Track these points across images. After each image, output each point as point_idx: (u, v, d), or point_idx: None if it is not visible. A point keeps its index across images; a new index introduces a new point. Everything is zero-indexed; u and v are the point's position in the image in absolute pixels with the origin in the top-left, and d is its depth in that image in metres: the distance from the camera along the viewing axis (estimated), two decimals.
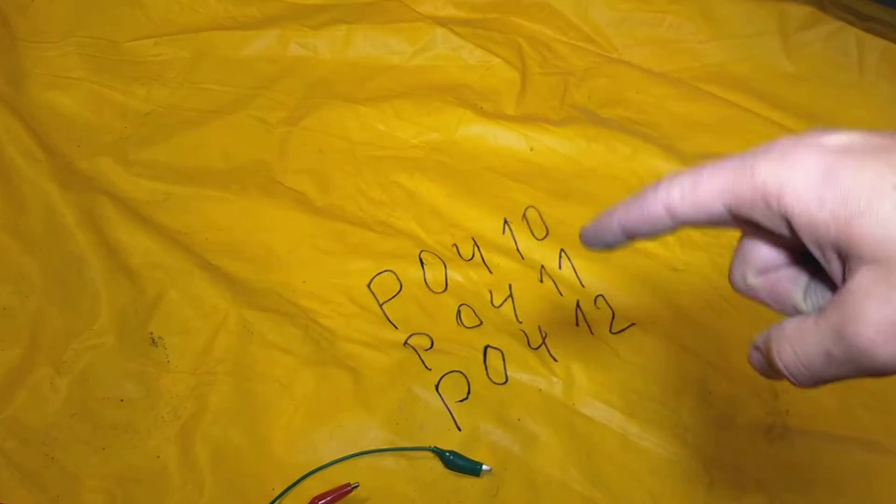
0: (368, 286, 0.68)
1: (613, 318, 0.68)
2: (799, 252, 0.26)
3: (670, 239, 0.74)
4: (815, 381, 0.23)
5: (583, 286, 0.70)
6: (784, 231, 0.23)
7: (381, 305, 0.67)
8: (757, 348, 0.26)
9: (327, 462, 0.58)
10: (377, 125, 0.80)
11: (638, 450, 0.61)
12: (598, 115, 0.85)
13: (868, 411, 0.64)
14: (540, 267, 0.71)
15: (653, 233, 0.27)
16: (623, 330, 0.67)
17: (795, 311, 0.27)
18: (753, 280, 0.27)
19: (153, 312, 0.64)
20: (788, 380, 0.24)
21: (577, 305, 0.69)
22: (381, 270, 0.69)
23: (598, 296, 0.69)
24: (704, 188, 0.25)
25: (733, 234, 0.79)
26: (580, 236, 0.31)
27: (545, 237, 0.73)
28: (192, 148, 0.76)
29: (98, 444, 0.58)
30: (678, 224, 0.26)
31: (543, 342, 0.66)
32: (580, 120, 0.83)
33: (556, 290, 0.70)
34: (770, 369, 0.25)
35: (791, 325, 0.24)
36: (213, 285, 0.65)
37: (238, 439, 0.59)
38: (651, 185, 0.27)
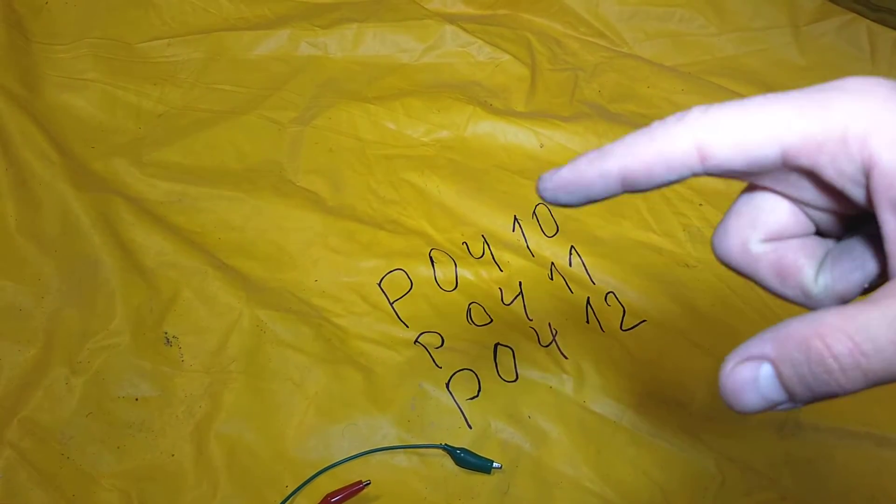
0: (379, 285, 0.69)
1: (624, 314, 0.68)
2: (824, 222, 0.22)
3: (681, 235, 0.74)
4: (874, 377, 0.19)
5: (593, 283, 0.70)
6: (850, 185, 0.19)
7: (391, 304, 0.68)
8: (755, 359, 0.20)
9: (340, 459, 0.59)
10: (387, 123, 0.81)
11: (649, 447, 0.61)
12: (609, 111, 0.85)
13: (881, 406, 0.64)
14: (550, 264, 0.71)
15: (665, 181, 0.21)
16: (634, 327, 0.68)
17: (799, 293, 0.22)
18: (758, 247, 0.22)
19: (168, 312, 0.65)
20: (821, 394, 0.19)
21: (588, 302, 0.69)
22: (392, 269, 0.70)
23: (608, 293, 0.69)
24: (756, 125, 0.20)
25: None
26: (545, 186, 0.24)
27: (555, 234, 0.73)
28: (206, 148, 0.77)
29: (113, 443, 0.59)
30: (705, 171, 0.21)
31: (554, 339, 0.66)
32: (590, 115, 0.83)
33: (566, 287, 0.70)
34: (793, 384, 0.20)
35: (834, 316, 0.19)
36: (227, 285, 0.66)
37: (252, 437, 0.60)
38: (668, 119, 0.21)
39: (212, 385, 0.62)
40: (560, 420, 0.62)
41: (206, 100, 0.81)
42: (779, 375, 0.20)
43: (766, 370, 0.20)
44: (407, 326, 0.67)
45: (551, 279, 0.70)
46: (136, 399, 0.61)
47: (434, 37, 0.88)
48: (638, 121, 0.83)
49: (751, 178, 0.21)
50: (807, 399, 0.20)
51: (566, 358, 0.65)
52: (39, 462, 0.57)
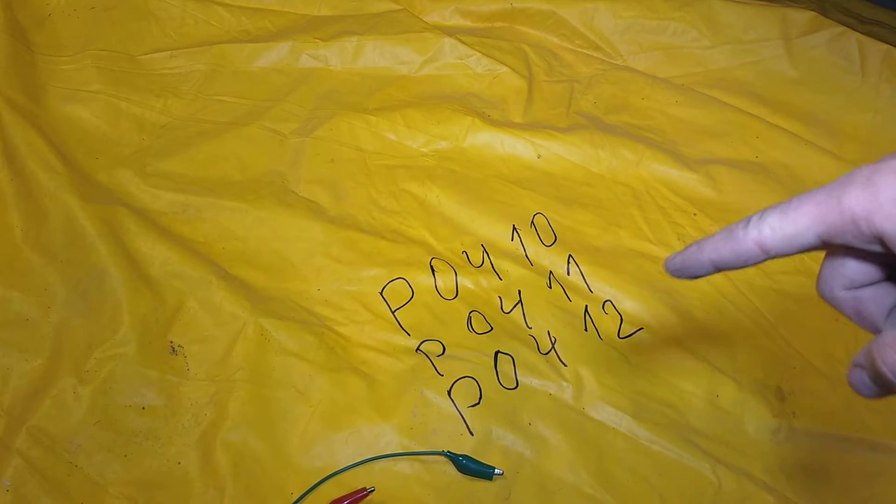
0: (381, 293, 0.70)
1: (621, 323, 0.69)
2: (890, 269, 0.28)
3: (676, 244, 0.75)
4: None
5: (591, 291, 0.71)
6: (878, 248, 0.25)
7: (393, 312, 0.69)
8: (858, 366, 0.28)
9: (344, 466, 0.60)
10: (387, 134, 0.82)
11: (647, 453, 0.62)
12: (604, 122, 0.86)
13: (874, 413, 0.65)
14: (548, 273, 0.72)
15: (745, 266, 0.29)
16: (631, 335, 0.69)
17: (876, 330, 0.29)
18: (839, 293, 0.29)
19: (173, 321, 0.65)
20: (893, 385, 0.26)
21: (586, 311, 0.70)
22: (394, 278, 0.71)
23: (606, 301, 0.71)
24: (793, 222, 0.26)
25: None
26: (667, 267, 0.32)
27: (553, 243, 0.74)
28: (209, 159, 0.78)
29: (120, 451, 0.60)
30: (771, 257, 0.28)
31: (553, 347, 0.67)
32: (586, 126, 0.84)
33: (564, 295, 0.71)
34: (873, 381, 0.27)
35: (890, 335, 0.26)
36: (231, 294, 0.67)
37: (257, 445, 0.61)
38: (739, 223, 0.28)
39: (217, 393, 0.63)
40: (560, 427, 0.63)
41: (208, 111, 0.82)
42: (868, 376, 0.27)
43: (859, 372, 0.28)
44: (408, 335, 0.68)
45: (550, 288, 0.71)
46: (143, 408, 0.62)
47: (433, 49, 0.89)
48: (633, 132, 0.85)
49: (809, 252, 0.27)
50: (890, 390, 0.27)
51: (565, 365, 0.66)
52: (48, 470, 0.58)
